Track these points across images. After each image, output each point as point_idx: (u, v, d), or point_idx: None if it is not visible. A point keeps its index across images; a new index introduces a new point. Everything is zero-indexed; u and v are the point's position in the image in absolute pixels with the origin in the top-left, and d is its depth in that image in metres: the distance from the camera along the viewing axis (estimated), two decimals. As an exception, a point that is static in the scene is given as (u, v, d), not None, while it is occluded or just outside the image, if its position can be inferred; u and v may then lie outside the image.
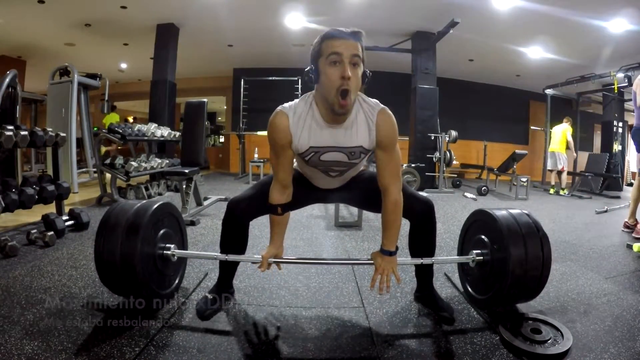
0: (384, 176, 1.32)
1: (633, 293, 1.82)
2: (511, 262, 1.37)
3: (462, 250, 1.73)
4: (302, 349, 1.27)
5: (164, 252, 1.49)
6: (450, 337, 1.36)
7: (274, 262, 1.41)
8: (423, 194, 1.69)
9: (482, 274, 1.54)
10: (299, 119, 1.26)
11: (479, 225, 1.63)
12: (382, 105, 1.30)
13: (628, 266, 2.27)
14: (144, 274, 1.36)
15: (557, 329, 1.35)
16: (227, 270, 1.59)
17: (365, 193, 1.50)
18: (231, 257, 1.48)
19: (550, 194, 6.02)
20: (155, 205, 1.48)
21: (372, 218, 3.27)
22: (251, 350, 1.26)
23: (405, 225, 1.41)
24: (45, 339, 1.24)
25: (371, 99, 1.31)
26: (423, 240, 1.51)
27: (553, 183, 6.22)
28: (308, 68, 1.22)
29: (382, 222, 1.37)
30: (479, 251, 1.55)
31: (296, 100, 1.30)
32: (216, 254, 1.50)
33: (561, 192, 5.98)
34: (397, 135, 1.31)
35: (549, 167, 6.40)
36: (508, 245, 1.39)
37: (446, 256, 2.35)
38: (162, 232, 1.50)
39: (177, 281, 1.63)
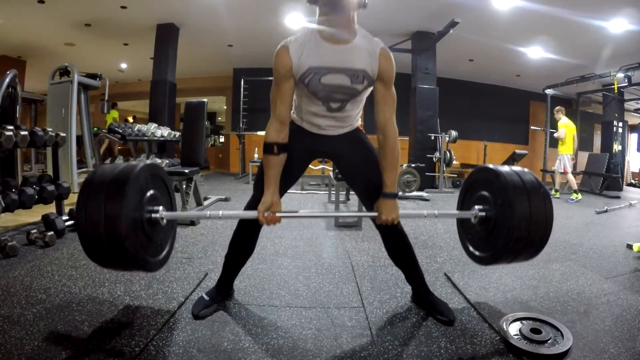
0: (383, 110, 1.38)
1: (633, 293, 1.82)
2: (516, 216, 1.33)
3: (462, 208, 1.67)
4: (302, 349, 1.27)
5: (152, 215, 1.37)
6: (451, 337, 1.36)
7: (271, 216, 1.34)
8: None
9: (484, 230, 1.51)
10: (300, 45, 1.31)
11: (480, 181, 1.58)
12: (383, 44, 1.35)
13: (628, 266, 2.27)
14: (132, 242, 1.25)
15: (557, 329, 1.35)
16: (231, 269, 1.58)
17: (368, 181, 1.47)
18: (225, 214, 1.43)
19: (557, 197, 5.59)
20: (140, 166, 1.35)
21: (372, 218, 3.26)
22: (251, 350, 1.26)
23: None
24: (45, 339, 1.24)
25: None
26: (399, 245, 1.53)
27: (558, 187, 5.85)
28: None
29: (383, 162, 1.40)
30: (481, 207, 1.50)
31: (298, 32, 1.37)
32: (208, 212, 1.50)
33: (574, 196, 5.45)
34: (394, 74, 1.38)
35: (557, 169, 5.81)
36: (513, 199, 1.35)
37: (446, 256, 2.35)
38: (148, 194, 1.38)
39: (167, 247, 1.51)
